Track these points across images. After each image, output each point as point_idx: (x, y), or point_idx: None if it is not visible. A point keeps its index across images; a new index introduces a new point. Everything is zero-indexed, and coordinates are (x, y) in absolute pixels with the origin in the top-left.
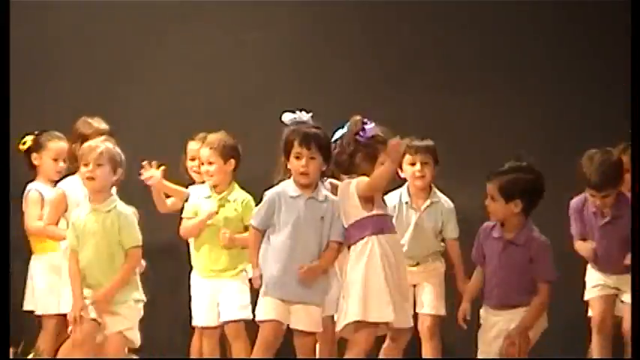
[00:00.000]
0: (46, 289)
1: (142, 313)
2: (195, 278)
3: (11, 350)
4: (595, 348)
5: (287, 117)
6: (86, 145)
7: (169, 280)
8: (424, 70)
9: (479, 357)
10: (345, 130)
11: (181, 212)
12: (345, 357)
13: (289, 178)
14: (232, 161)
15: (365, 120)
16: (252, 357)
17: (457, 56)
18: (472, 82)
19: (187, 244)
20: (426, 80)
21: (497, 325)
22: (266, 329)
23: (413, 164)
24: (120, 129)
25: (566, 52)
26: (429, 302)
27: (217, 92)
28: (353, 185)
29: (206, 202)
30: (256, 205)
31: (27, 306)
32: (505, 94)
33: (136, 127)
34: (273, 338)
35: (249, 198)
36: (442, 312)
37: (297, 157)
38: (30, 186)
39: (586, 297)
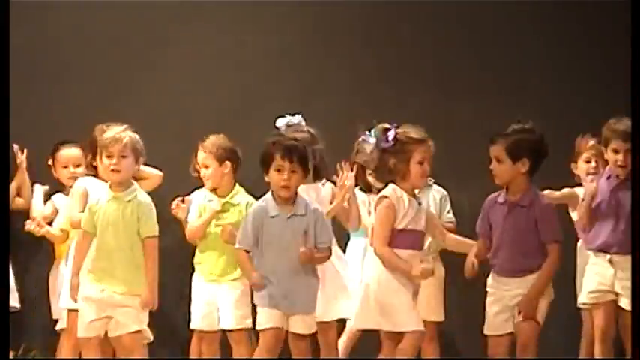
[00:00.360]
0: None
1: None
2: (196, 281)
3: (11, 353)
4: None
5: (281, 122)
6: (109, 135)
7: (173, 282)
8: (423, 72)
9: (485, 328)
10: (373, 140)
11: (187, 217)
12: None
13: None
14: (228, 163)
15: (388, 126)
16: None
17: (456, 57)
18: (471, 83)
19: (192, 247)
20: (426, 81)
21: (503, 300)
22: (267, 336)
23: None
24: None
25: (566, 52)
26: (429, 308)
27: (217, 93)
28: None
29: (210, 205)
30: None
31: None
32: (505, 95)
33: (135, 127)
34: (274, 344)
35: (253, 201)
36: (441, 318)
37: (279, 171)
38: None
39: (583, 300)
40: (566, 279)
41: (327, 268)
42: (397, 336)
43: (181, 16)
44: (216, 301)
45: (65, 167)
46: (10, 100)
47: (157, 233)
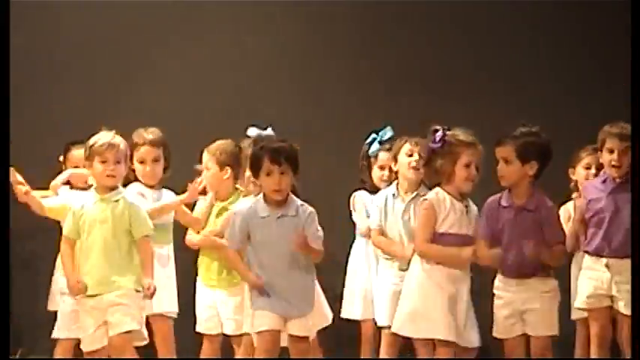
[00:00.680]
0: None
1: (144, 304)
2: (198, 285)
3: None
4: None
5: (252, 132)
6: (102, 141)
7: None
8: (422, 73)
9: (494, 331)
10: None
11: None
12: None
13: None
14: (228, 169)
15: (437, 127)
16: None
17: (454, 58)
18: (470, 85)
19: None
20: (423, 83)
21: (512, 304)
22: (263, 339)
23: (410, 155)
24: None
25: (566, 53)
26: None
27: (215, 95)
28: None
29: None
30: None
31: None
32: (505, 96)
33: (133, 129)
34: (272, 347)
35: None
36: None
37: (269, 174)
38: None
39: (580, 305)
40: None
41: None
42: (430, 344)
43: (179, 18)
44: (216, 305)
45: (76, 167)
46: (10, 102)
47: (151, 232)
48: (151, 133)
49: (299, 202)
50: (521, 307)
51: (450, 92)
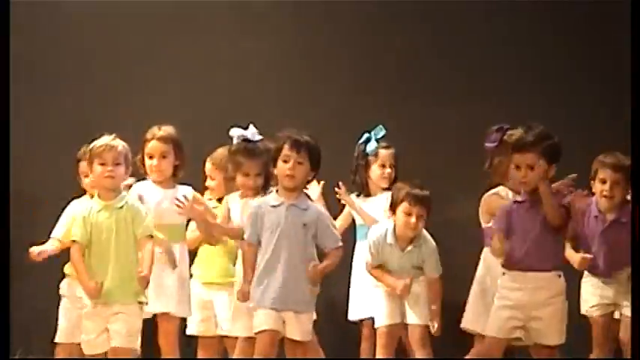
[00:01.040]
0: None
1: (142, 315)
2: (193, 286)
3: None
4: None
5: (235, 132)
6: (100, 143)
7: None
8: (421, 78)
9: (488, 328)
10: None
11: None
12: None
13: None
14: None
15: (497, 127)
16: None
17: (454, 61)
18: (470, 87)
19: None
20: (422, 86)
21: (518, 310)
22: (263, 339)
23: (409, 214)
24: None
25: (566, 53)
26: (419, 312)
27: (214, 99)
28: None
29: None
30: None
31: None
32: (504, 97)
33: (132, 133)
34: (270, 348)
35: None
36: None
37: (285, 161)
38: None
39: (584, 313)
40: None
41: None
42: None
43: (178, 22)
44: (213, 306)
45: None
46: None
47: (152, 233)
48: (162, 130)
49: (310, 201)
50: (527, 314)
51: (449, 95)
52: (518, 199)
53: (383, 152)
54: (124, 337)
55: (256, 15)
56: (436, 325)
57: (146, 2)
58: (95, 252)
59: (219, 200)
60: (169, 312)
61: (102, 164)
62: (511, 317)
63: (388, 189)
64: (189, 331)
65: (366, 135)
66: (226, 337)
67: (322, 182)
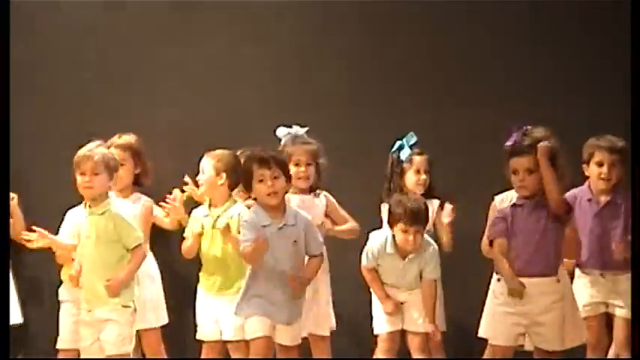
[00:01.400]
0: None
1: (134, 320)
2: (199, 292)
3: None
4: None
5: (281, 132)
6: (80, 152)
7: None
8: (420, 81)
9: (492, 336)
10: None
11: (183, 232)
12: None
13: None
14: (223, 174)
15: (516, 127)
16: None
17: (453, 62)
18: (469, 90)
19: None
20: (422, 91)
21: (523, 316)
22: (257, 346)
23: (405, 232)
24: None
25: (566, 54)
26: (418, 320)
27: (213, 104)
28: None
29: (206, 220)
30: None
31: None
32: (504, 98)
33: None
34: (265, 353)
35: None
36: (429, 329)
37: (261, 181)
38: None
39: None
40: None
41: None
42: None
43: (178, 28)
44: (215, 312)
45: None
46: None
47: (142, 241)
48: (122, 138)
49: (294, 209)
50: (531, 319)
51: (448, 98)
52: (516, 202)
53: (417, 158)
54: (112, 345)
55: (255, 20)
56: (436, 331)
57: (145, 8)
58: (82, 260)
59: (211, 204)
60: (146, 327)
61: (81, 174)
62: (515, 324)
63: (423, 195)
64: (198, 336)
65: (398, 142)
66: (229, 342)
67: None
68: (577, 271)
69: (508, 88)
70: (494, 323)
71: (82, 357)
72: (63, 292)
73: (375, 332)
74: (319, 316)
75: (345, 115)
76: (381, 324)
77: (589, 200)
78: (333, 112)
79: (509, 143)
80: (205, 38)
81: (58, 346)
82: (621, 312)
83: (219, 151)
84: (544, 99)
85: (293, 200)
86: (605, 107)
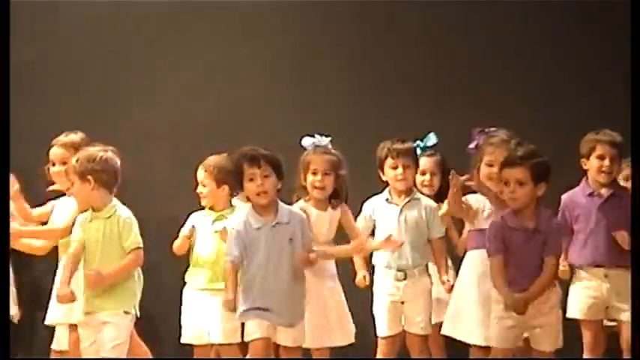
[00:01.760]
0: None
1: (132, 326)
2: (185, 294)
3: None
4: None
5: (306, 141)
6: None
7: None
8: (420, 82)
9: (489, 339)
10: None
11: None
12: None
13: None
14: (225, 187)
15: (478, 130)
16: None
17: (452, 64)
18: (469, 90)
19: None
20: (422, 91)
21: (520, 319)
22: (256, 347)
23: (395, 167)
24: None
25: (566, 54)
26: (418, 322)
27: (210, 106)
28: None
29: (204, 219)
30: None
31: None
32: (504, 99)
33: (127, 142)
34: (264, 355)
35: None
36: (429, 330)
37: (251, 179)
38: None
39: (575, 316)
40: None
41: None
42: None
43: (178, 28)
44: (204, 314)
45: None
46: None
47: (140, 245)
48: (67, 137)
49: (287, 207)
50: (529, 323)
51: (447, 101)
52: (511, 224)
53: (422, 160)
54: (108, 350)
55: (255, 21)
56: (451, 280)
57: (145, 8)
58: (89, 262)
59: (211, 208)
60: None
61: (72, 183)
62: (513, 326)
63: (433, 197)
64: (183, 340)
65: (417, 142)
66: (220, 345)
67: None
68: (580, 272)
69: (508, 88)
70: (493, 325)
71: (81, 357)
72: None
73: (377, 334)
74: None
75: (344, 115)
76: (382, 327)
77: (590, 195)
78: (332, 112)
79: (471, 146)
80: (205, 38)
81: (53, 346)
82: (627, 316)
83: (213, 160)
84: (544, 99)
85: (312, 215)
86: (605, 107)
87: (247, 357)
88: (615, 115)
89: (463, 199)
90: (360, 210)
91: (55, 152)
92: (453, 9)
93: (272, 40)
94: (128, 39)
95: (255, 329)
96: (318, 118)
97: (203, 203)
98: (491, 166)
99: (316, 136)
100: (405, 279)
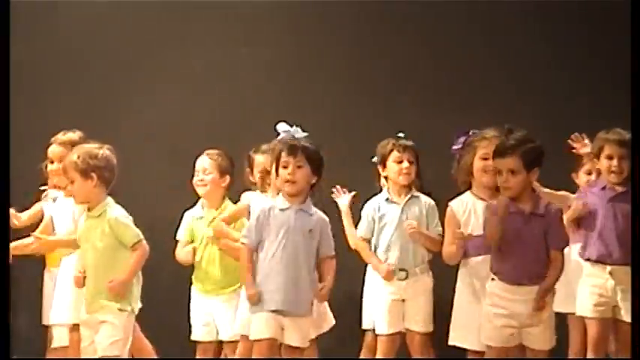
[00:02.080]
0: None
1: (131, 324)
2: (193, 293)
3: None
4: None
5: (281, 127)
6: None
7: (168, 292)
8: (419, 82)
9: (484, 338)
10: None
11: (175, 235)
12: None
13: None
14: (227, 178)
15: (462, 131)
16: None
17: (452, 64)
18: (469, 90)
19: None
20: (421, 91)
21: (512, 315)
22: (261, 347)
23: (400, 162)
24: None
25: (566, 54)
26: (419, 320)
27: (209, 106)
28: None
29: (199, 223)
30: None
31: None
32: (504, 99)
33: (127, 141)
34: (269, 355)
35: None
36: (430, 328)
37: (284, 167)
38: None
39: (584, 314)
40: None
41: None
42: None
43: (176, 29)
44: (212, 313)
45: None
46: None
47: (140, 236)
48: (65, 135)
49: (315, 209)
50: (522, 321)
51: (445, 100)
52: (511, 209)
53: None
54: (106, 347)
55: (254, 21)
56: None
57: (145, 8)
58: (83, 263)
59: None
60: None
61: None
62: (506, 325)
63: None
64: (193, 337)
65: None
66: (226, 342)
67: (353, 192)
68: (587, 268)
69: (508, 88)
70: (485, 324)
71: (81, 357)
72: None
73: (376, 332)
74: (319, 315)
75: (343, 115)
76: (382, 325)
77: (603, 188)
78: (331, 112)
79: (455, 147)
80: (204, 38)
81: (53, 346)
82: (626, 315)
83: (217, 151)
84: (544, 99)
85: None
86: (606, 107)
87: (252, 357)
88: (615, 114)
89: (448, 209)
90: (361, 210)
91: (54, 150)
92: (453, 9)
93: (271, 39)
94: (128, 39)
95: (262, 329)
96: (317, 117)
97: (201, 192)
98: (486, 159)
99: (294, 127)
100: (406, 278)
